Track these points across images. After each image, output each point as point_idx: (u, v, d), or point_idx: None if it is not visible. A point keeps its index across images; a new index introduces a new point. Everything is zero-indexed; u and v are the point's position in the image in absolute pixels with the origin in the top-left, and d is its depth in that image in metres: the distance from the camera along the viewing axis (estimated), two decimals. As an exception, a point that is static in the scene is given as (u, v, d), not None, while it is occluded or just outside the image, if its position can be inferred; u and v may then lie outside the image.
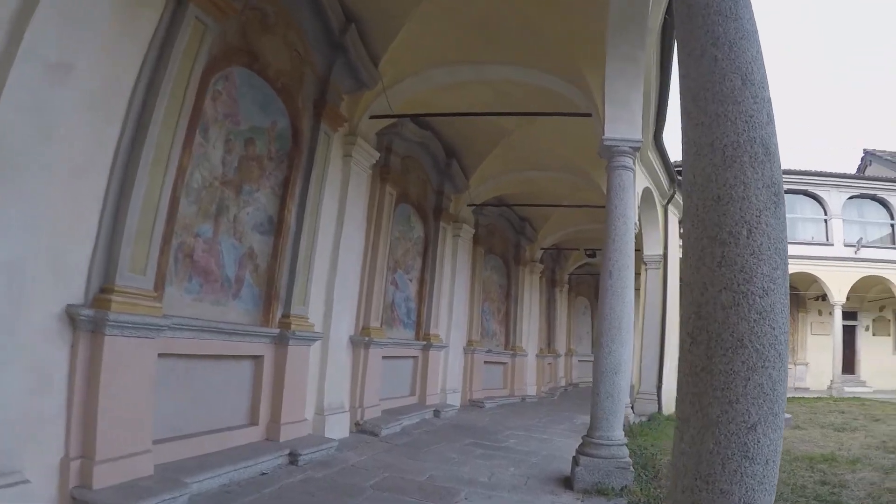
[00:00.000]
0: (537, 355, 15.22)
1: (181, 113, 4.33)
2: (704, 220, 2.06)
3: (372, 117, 7.74)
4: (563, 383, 18.07)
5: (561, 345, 18.10)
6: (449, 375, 10.78)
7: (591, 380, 18.45)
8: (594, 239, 15.15)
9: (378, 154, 8.11)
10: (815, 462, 7.26)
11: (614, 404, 5.61)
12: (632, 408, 10.70)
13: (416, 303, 10.05)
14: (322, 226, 6.59)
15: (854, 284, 20.67)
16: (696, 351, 2.01)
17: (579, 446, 5.71)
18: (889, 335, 23.87)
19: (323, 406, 6.79)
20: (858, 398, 18.38)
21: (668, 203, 12.67)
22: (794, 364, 23.08)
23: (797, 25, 72.96)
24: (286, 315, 5.94)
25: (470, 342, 11.79)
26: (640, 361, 11.91)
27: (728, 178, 2.02)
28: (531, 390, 14.35)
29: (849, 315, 22.35)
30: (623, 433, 5.73)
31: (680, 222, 14.13)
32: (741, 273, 1.96)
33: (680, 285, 8.10)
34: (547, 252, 16.29)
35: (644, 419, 10.40)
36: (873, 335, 23.78)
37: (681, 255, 9.24)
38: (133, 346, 3.90)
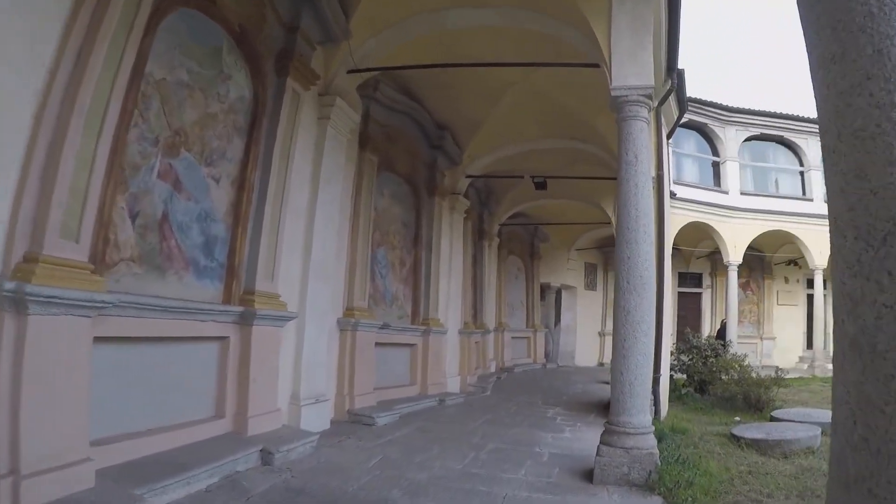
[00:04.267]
0: (461, 331, 10.62)
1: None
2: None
3: None
4: (493, 368, 13.65)
5: (490, 317, 13.67)
6: (305, 373, 5.91)
7: (526, 362, 14.17)
8: (546, 165, 10.65)
9: None
10: None
11: None
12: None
13: (230, 227, 5.11)
14: None
15: (833, 247, 17.78)
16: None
17: None
18: (858, 306, 21.45)
19: None
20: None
21: (660, 105, 8.26)
22: (761, 339, 20.19)
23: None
24: None
25: (350, 311, 6.97)
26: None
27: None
28: (453, 384, 9.74)
29: (812, 283, 19.71)
30: None
31: (670, 136, 9.88)
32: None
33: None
34: (473, 186, 11.70)
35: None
36: (841, 306, 21.25)
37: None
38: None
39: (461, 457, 5.17)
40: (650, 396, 5.81)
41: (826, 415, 7.77)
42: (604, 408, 8.54)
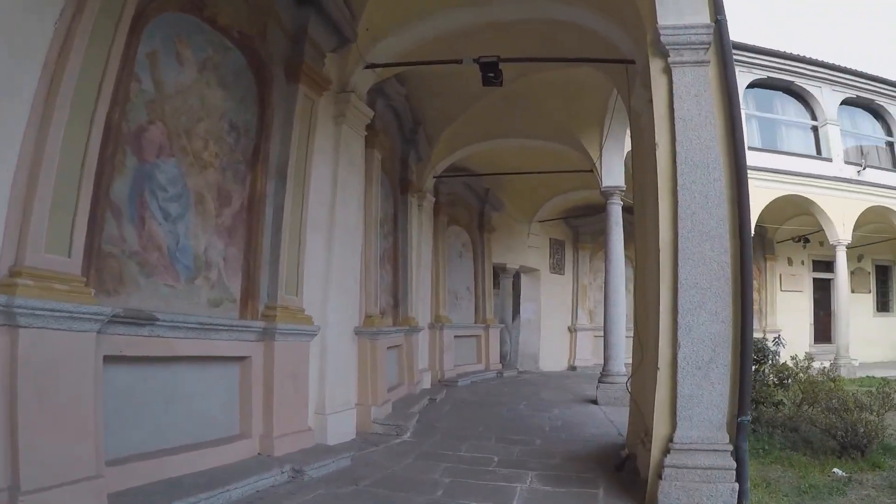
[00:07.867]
0: (360, 331, 6.63)
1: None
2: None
3: None
4: (427, 383, 9.81)
5: (422, 308, 9.84)
6: None
7: (476, 369, 9.63)
8: (499, 50, 6.80)
9: None
10: None
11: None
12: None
13: None
14: None
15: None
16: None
17: None
18: (869, 292, 19.80)
19: None
20: (876, 378, 12.50)
21: None
22: (764, 332, 17.01)
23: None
24: None
25: (11, 280, 2.93)
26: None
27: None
28: (340, 428, 5.71)
29: (821, 265, 18.47)
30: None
31: None
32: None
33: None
34: (384, 96, 7.83)
35: None
36: (852, 292, 18.71)
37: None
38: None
39: None
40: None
41: None
42: (609, 461, 4.94)
